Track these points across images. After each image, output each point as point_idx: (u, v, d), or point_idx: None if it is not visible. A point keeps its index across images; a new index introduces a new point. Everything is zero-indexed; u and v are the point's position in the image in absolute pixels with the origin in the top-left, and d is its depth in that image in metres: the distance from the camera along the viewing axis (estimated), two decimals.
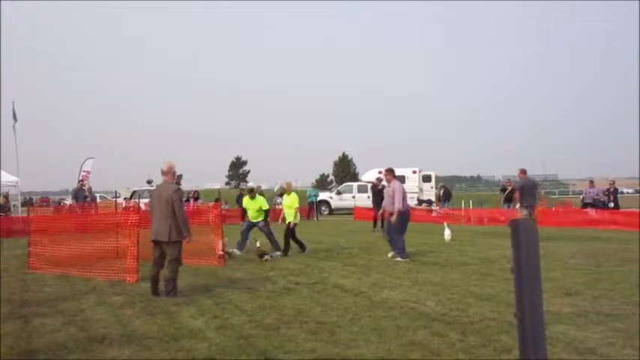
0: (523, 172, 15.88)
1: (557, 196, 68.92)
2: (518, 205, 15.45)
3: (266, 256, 11.57)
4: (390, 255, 11.40)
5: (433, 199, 32.37)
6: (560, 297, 7.18)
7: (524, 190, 15.27)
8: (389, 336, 5.47)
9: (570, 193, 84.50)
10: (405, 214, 11.35)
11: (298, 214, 12.98)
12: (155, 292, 7.90)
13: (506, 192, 23.61)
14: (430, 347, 5.05)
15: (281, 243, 12.66)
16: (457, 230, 19.53)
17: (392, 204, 11.28)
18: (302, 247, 12.90)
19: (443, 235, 15.01)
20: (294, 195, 12.96)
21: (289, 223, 12.72)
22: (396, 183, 11.47)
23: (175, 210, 7.90)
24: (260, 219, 12.85)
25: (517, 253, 1.46)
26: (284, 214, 12.97)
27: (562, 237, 15.84)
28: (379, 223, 20.62)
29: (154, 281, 7.97)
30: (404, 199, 11.27)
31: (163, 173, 8.31)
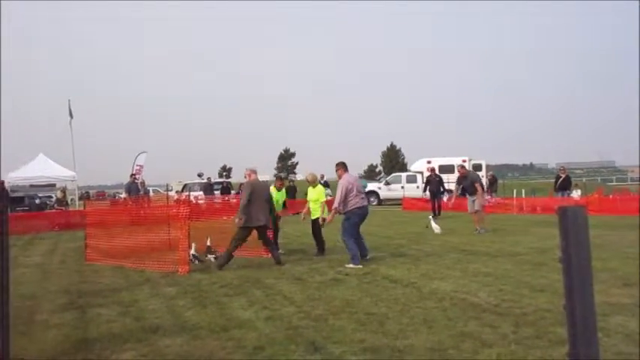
0: (462, 167, 16.43)
1: (614, 184, 66.61)
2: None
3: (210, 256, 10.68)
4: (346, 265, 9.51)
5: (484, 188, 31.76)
6: (618, 287, 6.94)
7: (464, 184, 15.54)
8: (439, 327, 5.41)
9: (629, 180, 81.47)
10: (353, 215, 9.91)
11: (326, 209, 11.37)
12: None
13: (560, 180, 23.02)
14: (482, 338, 4.96)
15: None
16: (509, 219, 19.18)
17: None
18: (320, 247, 11.34)
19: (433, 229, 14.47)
20: (320, 188, 11.71)
21: (317, 218, 11.37)
22: (343, 178, 10.08)
23: None
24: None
25: (565, 241, 1.39)
26: (309, 208, 11.66)
27: (620, 225, 15.32)
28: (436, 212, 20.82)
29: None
30: (353, 196, 9.90)
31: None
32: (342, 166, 10.37)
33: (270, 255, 10.25)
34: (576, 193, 24.02)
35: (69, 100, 31.63)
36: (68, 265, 10.94)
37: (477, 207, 14.94)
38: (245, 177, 10.89)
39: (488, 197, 26.95)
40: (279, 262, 9.89)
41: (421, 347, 4.77)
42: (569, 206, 1.43)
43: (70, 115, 31.35)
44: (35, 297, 7.76)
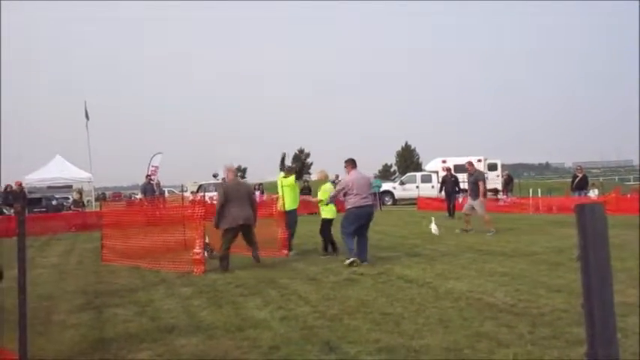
0: (471, 164, 15.90)
1: (632, 183, 65.66)
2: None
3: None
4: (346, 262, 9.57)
5: (500, 187, 31.53)
6: (635, 287, 6.85)
7: (469, 180, 15.21)
8: (455, 327, 5.38)
9: None
10: (350, 214, 9.84)
11: (332, 208, 11.36)
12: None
13: (577, 179, 22.83)
14: (498, 338, 4.93)
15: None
16: (525, 219, 19.04)
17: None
18: (327, 246, 11.31)
19: (431, 229, 14.24)
20: (326, 186, 11.66)
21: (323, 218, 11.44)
22: (349, 175, 10.07)
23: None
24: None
25: (583, 239, 1.37)
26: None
27: (637, 225, 15.13)
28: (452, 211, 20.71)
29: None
30: (352, 195, 9.75)
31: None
32: (349, 164, 10.17)
33: (286, 253, 10.25)
34: (593, 193, 23.80)
35: (85, 102, 31.93)
36: (85, 266, 11.03)
37: (478, 209, 14.66)
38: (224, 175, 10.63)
39: (503, 197, 26.86)
40: (257, 261, 9.93)
41: (437, 347, 4.75)
42: (586, 203, 1.40)
43: (87, 116, 31.65)
44: (52, 297, 7.83)
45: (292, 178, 11.78)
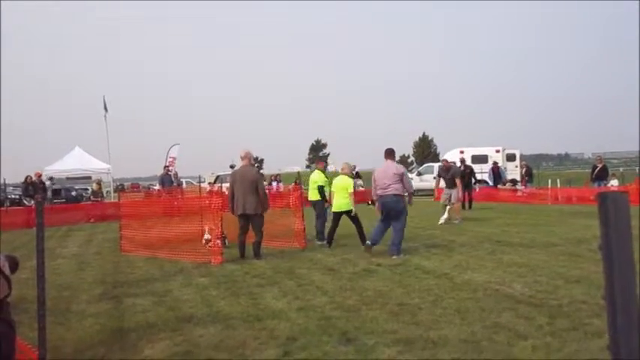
0: (446, 161, 17.21)
1: None
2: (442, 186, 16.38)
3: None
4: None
5: (518, 178, 31.23)
6: None
7: (446, 176, 16.00)
8: (472, 318, 5.35)
9: None
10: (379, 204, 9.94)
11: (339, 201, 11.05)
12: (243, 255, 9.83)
13: (597, 170, 22.55)
14: (516, 330, 4.90)
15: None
16: (544, 210, 18.88)
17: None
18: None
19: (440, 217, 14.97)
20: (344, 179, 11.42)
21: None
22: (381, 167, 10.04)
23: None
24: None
25: (606, 229, 1.34)
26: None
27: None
28: (466, 204, 20.53)
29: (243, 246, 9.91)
30: (375, 187, 9.88)
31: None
32: (384, 154, 10.03)
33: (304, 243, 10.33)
34: (613, 183, 23.50)
35: (104, 96, 32.34)
36: (104, 256, 11.13)
37: (452, 200, 15.34)
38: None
39: (522, 187, 26.60)
40: (255, 255, 9.74)
41: (454, 338, 4.73)
42: (609, 192, 1.38)
43: (105, 109, 32.01)
44: (72, 287, 7.92)
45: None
